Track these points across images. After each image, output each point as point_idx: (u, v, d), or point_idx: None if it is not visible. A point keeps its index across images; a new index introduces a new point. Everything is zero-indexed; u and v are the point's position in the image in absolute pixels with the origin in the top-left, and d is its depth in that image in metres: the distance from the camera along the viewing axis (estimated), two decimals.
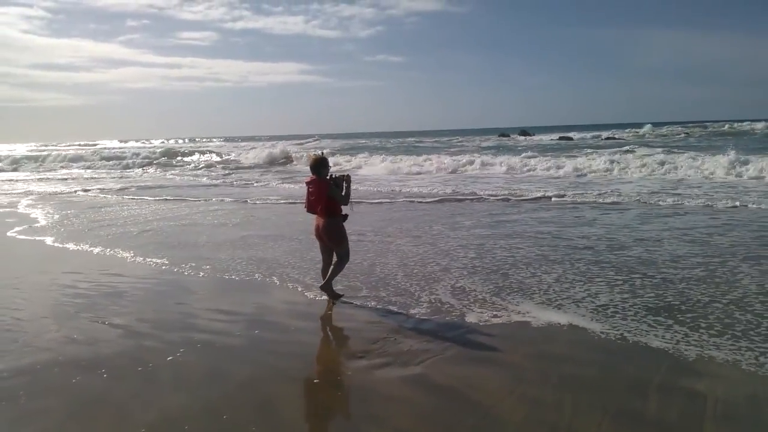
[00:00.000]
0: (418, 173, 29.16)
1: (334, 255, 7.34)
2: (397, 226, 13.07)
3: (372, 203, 17.55)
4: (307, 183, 7.18)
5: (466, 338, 6.02)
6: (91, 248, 11.33)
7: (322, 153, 7.31)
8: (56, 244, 11.93)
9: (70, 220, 15.63)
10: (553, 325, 6.32)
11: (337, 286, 7.60)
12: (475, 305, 7.03)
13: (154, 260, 10.07)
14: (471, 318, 6.60)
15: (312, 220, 7.30)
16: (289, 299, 7.57)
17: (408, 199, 18.34)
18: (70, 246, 11.67)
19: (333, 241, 7.20)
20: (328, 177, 7.13)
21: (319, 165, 7.09)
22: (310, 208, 7.16)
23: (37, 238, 12.75)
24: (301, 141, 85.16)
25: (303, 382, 5.21)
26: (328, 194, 7.02)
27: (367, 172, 31.12)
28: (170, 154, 50.26)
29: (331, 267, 7.33)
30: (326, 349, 5.89)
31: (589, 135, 63.41)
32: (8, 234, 13.54)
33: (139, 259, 10.24)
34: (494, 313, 6.75)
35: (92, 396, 4.87)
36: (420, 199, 18.27)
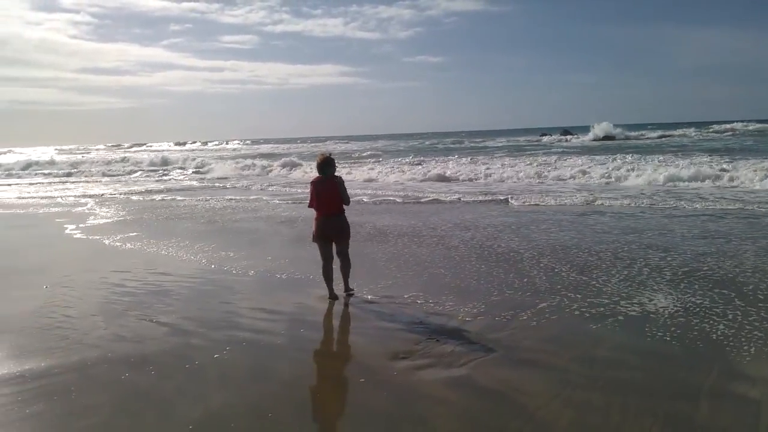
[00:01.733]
0: None
1: (334, 254, 7.56)
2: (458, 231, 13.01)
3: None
4: (314, 182, 7.45)
5: (510, 340, 5.94)
6: (140, 247, 11.61)
7: (330, 154, 7.57)
8: (108, 243, 12.25)
9: (121, 219, 16.04)
10: (601, 328, 6.20)
11: (376, 283, 7.61)
12: (520, 307, 6.95)
13: (199, 259, 10.27)
14: (516, 320, 6.52)
15: (308, 221, 7.38)
16: (327, 299, 7.57)
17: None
18: (120, 245, 11.98)
19: (345, 236, 7.52)
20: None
21: (326, 164, 7.36)
22: (323, 206, 7.38)
23: (91, 237, 13.14)
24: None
25: (346, 381, 5.22)
26: (339, 192, 7.35)
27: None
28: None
29: (342, 270, 7.60)
30: (368, 350, 5.86)
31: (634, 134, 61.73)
32: (65, 233, 13.98)
33: (185, 257, 10.45)
34: (539, 315, 6.66)
35: (140, 392, 4.96)
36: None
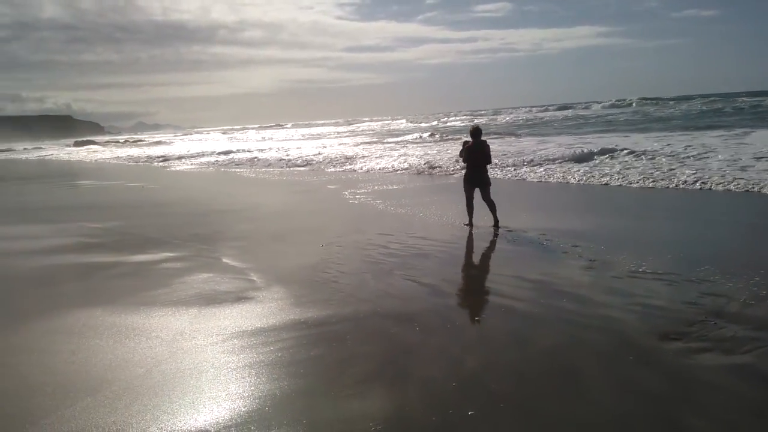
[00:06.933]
0: None
1: (479, 195, 10.24)
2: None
3: None
4: (470, 144, 10.19)
5: None
6: (401, 212, 12.33)
7: (477, 125, 10.67)
8: (376, 207, 13.23)
9: (386, 186, 17.15)
10: None
11: (645, 258, 7.12)
12: None
13: (454, 224, 10.58)
14: None
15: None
16: (590, 272, 7.27)
17: None
18: (385, 208, 12.85)
19: (487, 184, 10.24)
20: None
21: (478, 132, 10.24)
22: (478, 162, 10.17)
23: (364, 201, 14.36)
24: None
25: (610, 357, 4.95)
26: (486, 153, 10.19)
27: None
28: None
29: (491, 210, 10.18)
30: (635, 327, 5.49)
31: None
32: (341, 195, 15.43)
33: (441, 223, 10.85)
34: None
35: (407, 346, 5.26)
36: None
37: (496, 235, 9.65)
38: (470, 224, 10.31)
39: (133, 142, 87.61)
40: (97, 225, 12.26)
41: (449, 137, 40.86)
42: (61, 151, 68.81)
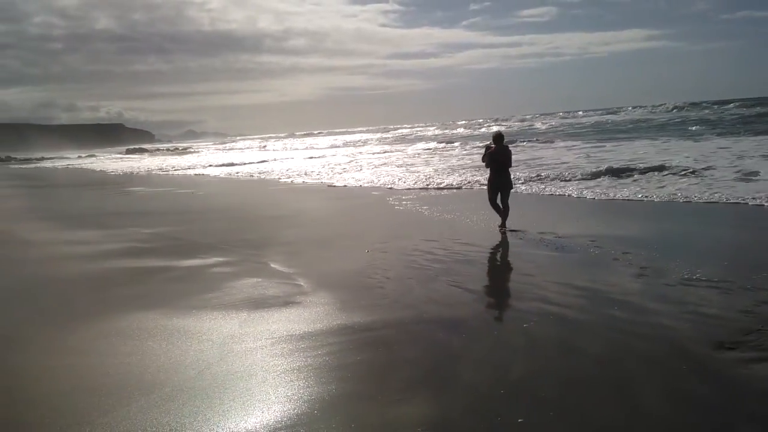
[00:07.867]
0: None
1: (501, 198, 10.64)
2: None
3: None
4: (492, 149, 10.56)
5: None
6: (445, 216, 12.29)
7: (499, 130, 11.14)
8: (421, 213, 13.23)
9: (426, 194, 17.13)
10: None
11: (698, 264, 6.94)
12: None
13: (497, 231, 10.49)
14: None
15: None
16: (641, 279, 7.13)
17: None
18: (429, 214, 12.84)
19: (508, 188, 10.71)
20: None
21: (500, 137, 10.70)
22: (500, 167, 10.52)
23: (410, 207, 14.39)
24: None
25: (662, 366, 4.82)
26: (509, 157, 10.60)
27: None
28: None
29: (504, 214, 10.58)
30: (688, 335, 5.34)
31: None
32: (386, 202, 15.48)
33: (485, 229, 10.79)
34: None
35: (453, 352, 5.24)
36: None
37: (502, 233, 10.30)
38: (502, 225, 10.58)
39: (182, 150, 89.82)
40: (149, 230, 12.57)
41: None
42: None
